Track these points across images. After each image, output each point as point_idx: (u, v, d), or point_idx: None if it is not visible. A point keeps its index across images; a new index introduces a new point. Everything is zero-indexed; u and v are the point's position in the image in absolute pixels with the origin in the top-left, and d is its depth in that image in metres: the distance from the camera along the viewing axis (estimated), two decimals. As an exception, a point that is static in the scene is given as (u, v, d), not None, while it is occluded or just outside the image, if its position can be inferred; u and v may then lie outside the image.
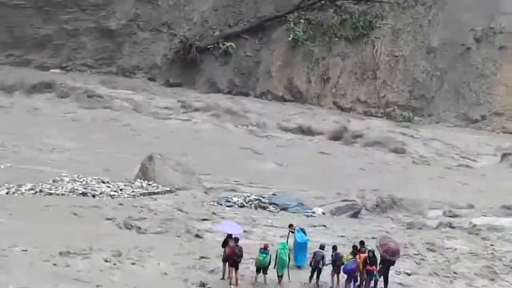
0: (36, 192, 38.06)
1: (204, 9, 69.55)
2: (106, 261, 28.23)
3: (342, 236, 34.34)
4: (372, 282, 28.57)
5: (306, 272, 29.25)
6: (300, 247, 30.22)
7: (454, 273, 31.33)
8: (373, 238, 32.28)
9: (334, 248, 28.86)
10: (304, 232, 30.86)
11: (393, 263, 28.89)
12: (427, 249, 33.50)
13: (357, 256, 28.30)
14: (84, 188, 39.27)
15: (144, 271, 28.17)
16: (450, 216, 40.05)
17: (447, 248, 33.88)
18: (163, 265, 28.78)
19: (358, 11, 67.53)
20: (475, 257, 32.86)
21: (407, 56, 66.04)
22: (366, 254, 28.42)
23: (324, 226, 36.07)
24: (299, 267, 29.83)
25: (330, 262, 28.64)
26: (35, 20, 67.53)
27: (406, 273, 30.80)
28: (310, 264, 28.96)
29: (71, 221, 32.48)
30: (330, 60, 66.37)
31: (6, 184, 38.43)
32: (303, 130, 60.50)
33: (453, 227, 37.52)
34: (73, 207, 34.62)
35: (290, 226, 31.05)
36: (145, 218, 33.98)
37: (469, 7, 66.37)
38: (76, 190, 38.85)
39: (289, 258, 28.67)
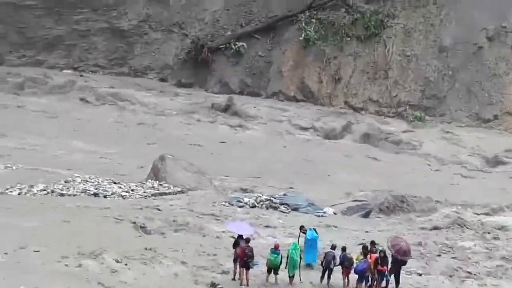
0: (48, 192, 38.15)
1: (216, 9, 69.59)
2: (117, 261, 28.27)
3: (353, 237, 34.33)
4: (384, 282, 28.56)
5: (317, 273, 29.27)
6: (310, 244, 30.20)
7: (467, 273, 31.24)
8: (384, 238, 32.21)
9: (343, 249, 28.86)
10: (315, 232, 30.84)
11: (404, 263, 28.88)
12: (439, 249, 33.43)
13: (368, 256, 28.27)
14: (96, 189, 39.33)
15: (155, 271, 28.21)
16: (461, 216, 39.89)
17: (458, 248, 33.81)
18: (174, 266, 28.81)
19: (370, 11, 67.41)
20: (486, 257, 32.78)
21: (419, 56, 65.89)
22: (377, 254, 28.39)
23: (335, 226, 36.04)
24: (309, 265, 29.82)
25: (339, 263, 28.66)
26: (46, 21, 67.67)
27: (417, 273, 30.77)
28: (321, 264, 28.98)
29: (83, 222, 32.54)
30: (341, 60, 66.28)
31: (18, 185, 38.52)
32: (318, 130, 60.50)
33: (464, 227, 37.42)
34: (85, 208, 34.71)
35: (302, 227, 30.98)
36: (156, 219, 34.00)
37: (481, 6, 66.14)
38: (88, 191, 38.93)
39: (300, 259, 28.69)
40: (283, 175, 48.18)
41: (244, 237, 28.65)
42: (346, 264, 28.49)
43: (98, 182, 40.80)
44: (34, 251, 28.20)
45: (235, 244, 28.52)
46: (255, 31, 68.31)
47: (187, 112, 61.36)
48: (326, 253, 28.93)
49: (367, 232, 35.62)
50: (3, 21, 67.14)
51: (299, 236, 30.44)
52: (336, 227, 36.04)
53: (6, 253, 27.65)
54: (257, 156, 52.61)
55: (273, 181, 46.12)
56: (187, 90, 66.18)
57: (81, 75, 66.19)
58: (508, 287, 30.54)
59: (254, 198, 40.01)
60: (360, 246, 30.04)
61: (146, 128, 57.51)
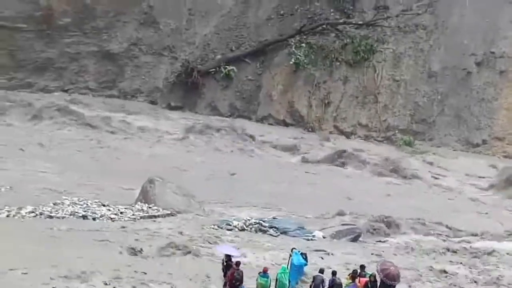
0: (37, 215, 37.98)
1: (206, 33, 69.87)
2: (106, 284, 28.17)
3: (343, 261, 34.31)
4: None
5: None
6: (296, 269, 30.16)
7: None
8: (372, 262, 32.21)
9: (333, 273, 28.76)
10: (305, 257, 30.78)
11: (393, 287, 28.80)
12: (427, 273, 33.43)
13: (357, 280, 28.20)
14: (85, 211, 39.20)
15: (144, 294, 28.14)
16: (450, 240, 39.99)
17: (447, 272, 33.81)
18: (163, 289, 28.75)
19: (360, 36, 67.85)
20: (473, 281, 32.82)
21: (408, 80, 66.28)
22: (367, 279, 28.32)
23: (324, 250, 36.01)
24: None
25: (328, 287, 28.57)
26: (37, 44, 67.69)
27: (406, 297, 30.78)
28: (310, 288, 28.90)
29: (71, 244, 32.44)
30: (331, 84, 66.62)
31: (7, 207, 38.36)
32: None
33: (454, 251, 37.48)
34: (74, 230, 34.60)
35: (293, 249, 30.96)
36: (145, 241, 33.94)
37: (470, 32, 66.68)
38: (76, 213, 38.81)
39: (289, 282, 28.63)
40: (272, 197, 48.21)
41: (234, 260, 28.57)
42: (334, 289, 28.39)
43: (87, 204, 40.66)
44: (22, 273, 28.07)
45: (226, 267, 28.43)
46: (245, 55, 68.64)
47: (175, 135, 61.39)
48: (314, 277, 28.82)
49: (355, 255, 35.61)
50: (-6, 43, 67.16)
51: (289, 259, 30.39)
52: (324, 251, 35.98)
53: (-6, 275, 27.56)
54: (247, 180, 52.63)
55: (263, 203, 46.17)
56: (177, 113, 66.26)
57: (70, 98, 66.07)
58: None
59: (243, 221, 40.00)
60: (349, 270, 30.00)
61: (133, 150, 57.42)
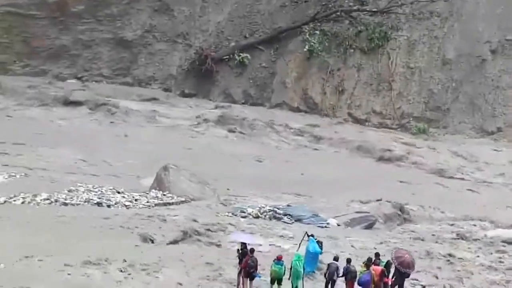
0: (52, 202, 38.10)
1: (220, 20, 69.78)
2: (121, 271, 28.24)
3: (356, 248, 34.29)
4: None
5: (320, 284, 29.20)
6: (312, 256, 30.21)
7: (470, 285, 31.19)
8: (387, 250, 32.20)
9: (348, 261, 28.73)
10: (321, 246, 30.79)
11: (407, 275, 28.80)
12: (442, 261, 33.39)
13: (371, 268, 28.17)
14: (99, 198, 39.29)
15: (159, 281, 28.16)
16: (465, 228, 39.92)
17: (462, 260, 33.76)
18: (178, 276, 28.75)
19: (374, 23, 67.59)
20: (490, 269, 32.74)
21: (423, 68, 66.01)
22: (382, 267, 28.25)
23: (339, 237, 35.98)
24: (309, 273, 29.82)
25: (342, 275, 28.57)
26: (51, 31, 67.77)
27: (421, 285, 30.71)
28: (325, 276, 28.88)
29: (86, 231, 32.52)
30: (345, 72, 66.43)
31: (22, 194, 38.48)
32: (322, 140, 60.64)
33: (469, 240, 37.41)
34: (89, 218, 34.68)
35: (310, 235, 30.96)
36: (160, 229, 33.99)
37: (485, 19, 66.34)
38: (91, 200, 38.90)
39: (303, 269, 28.63)
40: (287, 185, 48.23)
41: (249, 247, 28.61)
42: (349, 276, 28.35)
43: (101, 191, 40.75)
44: (38, 260, 28.18)
45: (241, 255, 28.46)
46: (259, 42, 68.52)
47: (190, 122, 61.45)
48: (329, 264, 28.82)
49: (369, 243, 35.56)
50: (8, 31, 67.21)
51: (300, 243, 30.37)
52: (339, 238, 35.95)
53: (10, 263, 27.63)
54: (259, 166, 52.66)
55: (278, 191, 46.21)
56: (191, 100, 66.31)
57: (84, 85, 66.20)
58: (511, 300, 30.56)
59: (258, 208, 40.00)
60: (362, 258, 30.00)
61: (148, 137, 57.50)
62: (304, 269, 28.60)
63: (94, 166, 48.46)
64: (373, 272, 28.04)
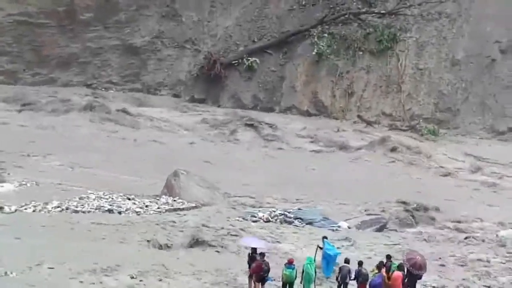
0: (63, 209, 38.15)
1: (228, 25, 69.87)
2: (132, 277, 28.24)
3: (369, 251, 34.22)
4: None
5: (332, 287, 29.13)
6: (334, 259, 30.20)
7: (483, 286, 31.07)
8: (399, 252, 32.10)
9: (360, 263, 28.64)
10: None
11: (419, 277, 28.68)
12: (454, 262, 33.28)
13: (383, 271, 28.08)
14: (110, 205, 39.33)
15: (170, 287, 28.15)
16: (477, 229, 39.78)
17: (475, 261, 33.63)
18: (189, 281, 28.75)
19: (382, 25, 67.55)
20: (503, 270, 32.60)
21: (432, 69, 65.89)
22: (401, 274, 27.91)
23: (350, 240, 35.90)
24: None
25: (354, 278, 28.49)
26: (60, 39, 68.06)
27: (433, 286, 30.61)
28: (337, 279, 28.80)
29: (97, 238, 32.58)
30: (354, 74, 66.38)
31: (33, 202, 38.56)
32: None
33: (481, 240, 37.27)
34: (100, 225, 34.71)
35: (325, 237, 30.96)
36: (171, 234, 33.99)
37: (494, 19, 66.17)
38: (102, 207, 38.94)
39: (315, 273, 28.55)
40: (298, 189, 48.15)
41: (259, 251, 28.57)
42: (360, 279, 28.27)
43: (112, 198, 40.79)
44: (48, 267, 28.21)
45: (250, 259, 28.43)
46: (267, 46, 68.56)
47: (200, 127, 61.49)
48: (341, 267, 28.73)
49: (381, 245, 35.47)
50: (18, 40, 67.53)
51: (316, 251, 30.31)
52: (350, 240, 35.87)
53: (21, 270, 27.66)
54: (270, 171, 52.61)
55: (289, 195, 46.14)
56: (200, 106, 66.38)
57: (94, 93, 66.35)
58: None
59: (268, 212, 39.96)
60: (374, 260, 29.93)
61: (158, 144, 57.55)
62: (315, 274, 28.51)
63: (104, 173, 48.46)
64: (384, 274, 27.91)
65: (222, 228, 35.82)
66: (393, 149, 58.30)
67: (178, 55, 69.79)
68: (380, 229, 40.09)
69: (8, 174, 44.47)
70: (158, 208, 39.92)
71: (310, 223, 39.15)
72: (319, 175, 52.56)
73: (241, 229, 36.01)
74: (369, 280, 28.04)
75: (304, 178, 51.48)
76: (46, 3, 67.68)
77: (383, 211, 42.48)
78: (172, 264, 29.95)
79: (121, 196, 41.33)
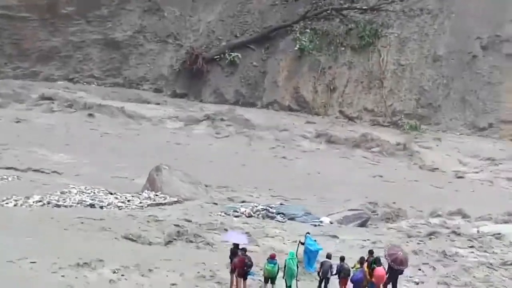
0: (44, 204, 38.05)
1: (210, 20, 69.78)
2: (114, 272, 28.19)
3: (350, 246, 34.30)
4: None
5: (314, 282, 29.18)
6: (315, 255, 30.20)
7: (463, 282, 31.19)
8: (380, 247, 32.19)
9: (341, 259, 28.69)
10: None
11: (401, 272, 28.77)
12: (436, 257, 33.40)
13: (364, 266, 28.14)
14: (92, 200, 39.27)
15: (152, 282, 28.11)
16: (458, 224, 39.95)
17: (456, 257, 33.77)
18: (171, 276, 28.70)
19: (364, 20, 67.64)
20: (483, 266, 32.76)
21: (414, 65, 66.07)
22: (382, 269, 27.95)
23: (332, 235, 35.98)
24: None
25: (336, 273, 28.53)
26: (41, 33, 67.82)
27: (414, 282, 30.71)
28: (318, 274, 28.83)
29: (79, 233, 32.48)
30: (336, 70, 66.47)
31: (14, 196, 38.42)
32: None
33: (461, 235, 37.41)
34: (81, 219, 34.61)
35: (308, 233, 31.00)
36: (153, 229, 33.94)
37: (475, 15, 66.40)
38: (83, 202, 38.87)
39: (297, 268, 28.57)
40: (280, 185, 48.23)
41: (241, 246, 28.57)
42: (342, 274, 28.31)
43: (94, 193, 40.74)
44: (30, 262, 28.12)
45: (232, 254, 28.43)
46: (249, 42, 68.53)
47: (182, 123, 61.41)
48: (322, 263, 28.73)
49: (363, 241, 35.57)
50: (-1, 33, 67.28)
51: (298, 246, 30.32)
52: (332, 236, 35.95)
53: (2, 264, 27.56)
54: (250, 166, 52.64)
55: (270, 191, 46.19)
56: (182, 101, 66.29)
57: (74, 86, 66.20)
58: (505, 296, 30.55)
59: (251, 208, 40.00)
60: (356, 255, 29.98)
61: (140, 138, 57.47)
62: (298, 268, 28.53)
63: (86, 167, 48.35)
64: (366, 269, 27.96)
65: (204, 223, 35.82)
66: (375, 145, 58.54)
67: (160, 50, 69.68)
68: (362, 224, 40.21)
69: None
70: (140, 203, 39.90)
71: (292, 218, 39.21)
72: (302, 170, 52.65)
73: (223, 224, 36.01)
74: (351, 275, 28.13)
75: (287, 173, 51.56)
76: (28, -4, 67.45)
77: (365, 206, 42.60)
78: (154, 259, 29.89)
79: (103, 190, 41.27)
